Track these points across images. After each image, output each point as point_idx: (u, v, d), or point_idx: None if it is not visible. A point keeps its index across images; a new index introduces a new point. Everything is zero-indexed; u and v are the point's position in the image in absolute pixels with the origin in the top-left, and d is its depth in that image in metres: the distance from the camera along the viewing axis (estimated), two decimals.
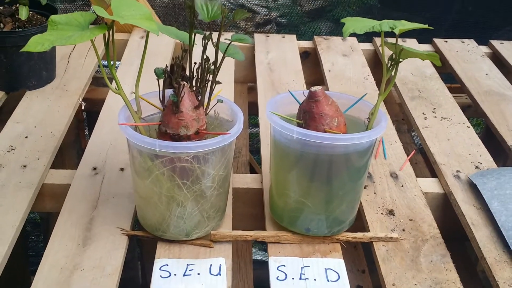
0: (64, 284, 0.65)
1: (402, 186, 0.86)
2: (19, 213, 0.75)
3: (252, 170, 1.23)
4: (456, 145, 0.96)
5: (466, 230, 0.78)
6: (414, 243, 0.75)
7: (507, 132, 1.01)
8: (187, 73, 0.68)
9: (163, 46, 1.25)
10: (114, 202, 0.78)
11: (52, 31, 0.60)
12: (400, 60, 0.68)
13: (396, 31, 0.65)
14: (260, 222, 0.80)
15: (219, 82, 0.69)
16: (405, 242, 0.75)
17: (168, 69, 0.67)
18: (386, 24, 0.65)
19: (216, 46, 0.67)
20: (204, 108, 0.68)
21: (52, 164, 0.87)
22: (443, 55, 1.31)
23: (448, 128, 1.01)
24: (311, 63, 1.32)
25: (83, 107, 1.05)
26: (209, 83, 0.68)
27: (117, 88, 0.66)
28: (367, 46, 1.35)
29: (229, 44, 0.68)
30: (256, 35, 1.36)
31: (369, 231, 0.77)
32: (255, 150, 1.50)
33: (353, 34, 0.67)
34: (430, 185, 0.88)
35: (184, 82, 0.65)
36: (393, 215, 0.80)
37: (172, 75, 0.66)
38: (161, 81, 0.68)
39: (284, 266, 0.70)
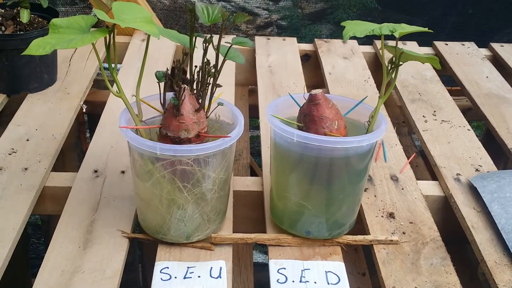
0: (65, 286, 0.65)
1: (403, 189, 0.86)
2: (20, 216, 0.75)
3: (253, 173, 1.23)
4: (456, 148, 0.96)
5: (466, 233, 0.78)
6: (414, 246, 0.75)
7: (507, 135, 1.01)
8: (188, 76, 0.69)
9: (164, 49, 1.25)
10: (115, 205, 0.78)
11: (53, 34, 0.60)
12: (400, 63, 0.68)
13: (396, 34, 0.65)
14: (261, 225, 0.80)
15: (219, 85, 0.69)
16: (405, 245, 0.75)
17: (169, 72, 0.67)
18: (386, 28, 0.65)
19: (217, 49, 0.67)
20: (205, 111, 0.69)
21: (53, 166, 0.88)
22: (443, 58, 1.31)
23: (449, 131, 1.01)
24: (312, 66, 1.32)
25: (84, 110, 1.06)
26: (210, 86, 0.68)
27: (118, 91, 0.67)
28: (368, 48, 1.35)
29: (230, 47, 0.68)
30: (257, 38, 1.37)
31: (370, 234, 0.77)
32: (256, 152, 1.50)
33: (353, 37, 0.67)
34: (431, 188, 0.88)
35: (185, 85, 0.65)
36: (394, 218, 0.80)
37: (173, 78, 0.66)
38: (162, 84, 0.68)
39: (285, 269, 0.70)
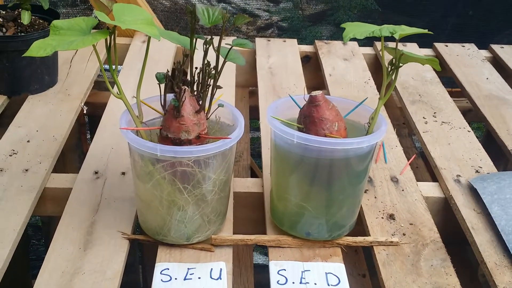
0: None
1: (403, 190, 0.86)
2: (20, 217, 0.75)
3: (254, 174, 1.24)
4: (456, 149, 0.96)
5: (467, 234, 0.78)
6: (414, 247, 0.75)
7: (507, 136, 1.01)
8: (188, 77, 0.69)
9: (164, 50, 1.25)
10: (115, 206, 0.79)
11: (54, 36, 0.60)
12: (400, 64, 0.68)
13: (396, 36, 0.65)
14: (261, 226, 0.80)
15: (220, 87, 0.69)
16: (405, 247, 0.75)
17: (169, 73, 0.67)
18: (386, 29, 0.65)
19: (217, 50, 0.67)
20: (205, 112, 0.69)
21: (54, 168, 0.88)
22: (443, 59, 1.31)
23: (449, 132, 1.01)
24: (312, 68, 1.32)
25: (85, 111, 1.06)
26: (210, 88, 0.68)
27: (118, 93, 0.67)
28: (368, 50, 1.36)
29: (230, 49, 0.68)
30: (257, 39, 1.37)
31: (370, 235, 0.77)
32: (256, 154, 1.50)
33: (353, 39, 0.68)
34: (431, 189, 0.88)
35: (185, 87, 0.65)
36: (394, 219, 0.80)
37: (173, 80, 0.67)
38: (162, 85, 0.68)
39: (285, 270, 0.70)
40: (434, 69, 1.24)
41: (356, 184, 0.72)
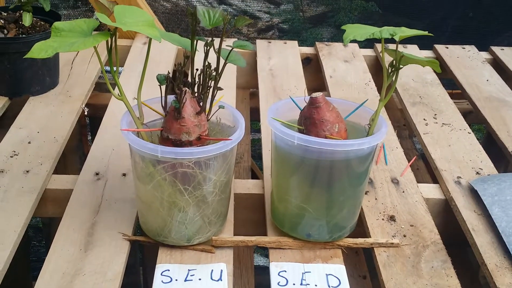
0: None
1: (403, 192, 0.86)
2: (21, 218, 0.75)
3: (254, 176, 1.24)
4: (457, 151, 0.96)
5: (467, 236, 0.78)
6: (415, 249, 0.75)
7: (508, 138, 1.01)
8: (189, 79, 0.69)
9: (165, 52, 1.26)
10: (116, 207, 0.79)
11: (55, 37, 0.60)
12: (401, 66, 0.68)
13: (396, 38, 0.65)
14: (262, 228, 0.80)
15: (220, 88, 0.69)
16: (406, 248, 0.75)
17: (170, 75, 0.67)
18: (386, 31, 0.66)
19: (218, 52, 0.67)
20: (206, 114, 0.69)
21: (55, 169, 0.88)
22: (444, 61, 1.31)
23: (449, 134, 1.02)
24: (313, 69, 1.32)
25: (86, 113, 1.06)
26: (211, 89, 0.68)
27: (119, 94, 0.67)
28: (369, 52, 1.36)
29: (231, 50, 0.68)
30: (258, 41, 1.37)
31: (370, 237, 0.77)
32: (257, 155, 1.50)
33: (354, 40, 0.68)
34: (431, 191, 0.88)
35: (186, 88, 0.65)
36: (394, 221, 0.80)
37: (174, 81, 0.67)
38: (163, 87, 0.69)
39: (285, 271, 0.70)
40: (435, 71, 1.25)
41: (357, 185, 0.72)
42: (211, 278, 0.68)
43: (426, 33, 0.67)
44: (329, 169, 0.70)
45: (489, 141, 1.18)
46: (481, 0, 1.74)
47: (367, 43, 1.32)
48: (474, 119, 1.24)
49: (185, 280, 0.67)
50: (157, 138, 0.69)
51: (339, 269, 0.71)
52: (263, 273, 0.96)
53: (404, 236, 0.77)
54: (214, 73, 0.67)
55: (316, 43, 1.37)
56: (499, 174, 0.90)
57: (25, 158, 0.88)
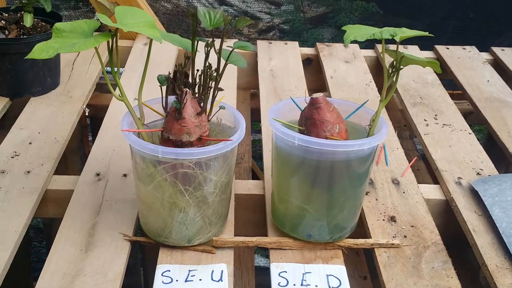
0: None
1: (404, 192, 0.86)
2: (22, 219, 0.75)
3: (255, 176, 1.24)
4: (457, 152, 0.96)
5: (468, 236, 0.78)
6: (415, 249, 0.75)
7: (508, 139, 1.01)
8: (190, 80, 0.69)
9: (166, 53, 1.26)
10: (116, 208, 0.79)
11: (56, 38, 0.60)
12: (401, 67, 0.68)
13: (397, 39, 0.66)
14: (262, 228, 0.80)
15: (221, 89, 0.69)
16: (406, 249, 0.75)
17: (171, 76, 0.68)
18: (386, 32, 0.66)
19: (219, 53, 0.67)
20: (207, 114, 0.69)
21: (56, 170, 0.88)
22: (444, 62, 1.31)
23: (450, 135, 1.02)
24: (313, 70, 1.32)
25: (87, 113, 1.06)
26: (212, 90, 0.68)
27: (120, 95, 0.67)
28: (369, 52, 1.36)
29: (231, 51, 0.68)
30: (258, 42, 1.37)
31: (371, 238, 0.77)
32: (257, 156, 1.50)
33: (355, 41, 0.68)
34: (432, 191, 0.88)
35: (187, 89, 0.66)
36: (395, 221, 0.80)
37: (175, 82, 0.67)
38: (164, 87, 0.69)
39: (286, 272, 0.70)
40: (435, 72, 1.25)
41: (357, 186, 0.72)
42: (212, 279, 0.68)
43: (426, 33, 0.67)
44: (330, 169, 0.70)
45: (490, 141, 1.18)
46: (482, 0, 1.74)
47: (368, 44, 1.32)
48: (475, 119, 1.24)
49: (186, 281, 0.67)
50: (158, 138, 0.69)
51: (339, 270, 0.71)
52: (263, 273, 0.96)
53: (405, 236, 0.77)
54: (214, 74, 0.67)
55: (317, 43, 1.37)
56: (499, 174, 0.90)
57: (26, 159, 0.88)
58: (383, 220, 0.80)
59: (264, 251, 1.75)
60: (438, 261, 0.73)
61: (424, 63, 0.69)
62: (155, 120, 0.73)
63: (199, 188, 0.67)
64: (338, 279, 0.69)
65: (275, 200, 0.77)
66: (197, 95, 0.68)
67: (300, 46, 1.36)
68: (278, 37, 1.97)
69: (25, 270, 1.39)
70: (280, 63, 1.26)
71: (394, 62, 0.68)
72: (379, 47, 1.35)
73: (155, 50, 1.23)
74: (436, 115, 1.08)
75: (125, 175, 0.86)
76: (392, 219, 0.80)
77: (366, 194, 0.85)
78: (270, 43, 1.37)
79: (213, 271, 0.69)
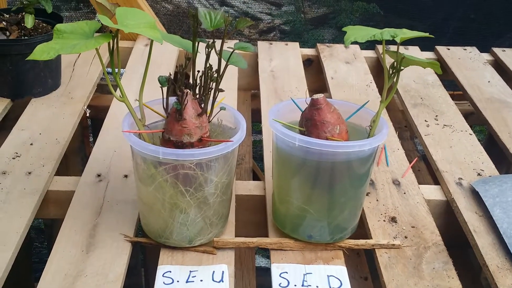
0: None
1: (405, 193, 0.86)
2: (23, 220, 0.75)
3: (256, 177, 1.24)
4: (458, 152, 0.96)
5: (468, 237, 0.78)
6: (416, 250, 0.75)
7: (509, 139, 1.01)
8: (191, 81, 0.69)
9: (167, 54, 1.26)
10: (117, 209, 0.79)
11: (57, 39, 0.60)
12: (401, 68, 0.68)
13: (397, 40, 0.66)
14: (263, 229, 0.80)
15: (222, 90, 0.69)
16: (407, 249, 0.75)
17: (172, 77, 0.68)
18: (387, 33, 0.66)
19: (219, 54, 0.68)
20: (207, 115, 0.69)
21: (57, 170, 0.88)
22: (445, 63, 1.31)
23: (451, 135, 1.02)
24: (314, 71, 1.32)
25: (87, 114, 1.06)
26: (212, 91, 0.68)
27: (121, 96, 0.67)
28: (370, 53, 1.36)
29: (232, 52, 0.68)
30: (259, 43, 1.37)
31: (372, 238, 0.77)
32: (258, 157, 1.50)
33: (355, 42, 0.68)
34: (433, 192, 0.88)
35: (188, 90, 0.66)
36: (395, 222, 0.80)
37: (176, 83, 0.67)
38: (165, 89, 0.69)
39: (287, 273, 0.70)
40: (436, 72, 1.25)
41: (358, 187, 0.72)
42: (213, 280, 0.68)
43: (427, 34, 0.67)
44: (330, 170, 0.70)
45: (491, 142, 1.18)
46: (483, 1, 1.74)
47: (369, 44, 1.32)
48: (476, 120, 1.24)
49: (187, 282, 0.68)
50: (159, 139, 0.69)
51: (340, 271, 0.71)
52: (264, 274, 0.96)
53: (406, 237, 0.77)
54: (215, 75, 0.67)
55: (318, 44, 1.37)
56: (500, 175, 0.90)
57: (27, 160, 0.88)
58: (384, 220, 0.80)
59: (265, 252, 1.75)
60: (439, 262, 0.73)
61: (425, 64, 0.69)
62: (156, 121, 0.73)
63: (200, 189, 0.67)
64: (339, 280, 0.69)
65: (275, 201, 0.77)
66: (197, 96, 0.69)
67: (300, 47, 1.36)
68: (279, 38, 1.97)
69: (27, 271, 1.40)
70: (281, 64, 1.26)
71: (395, 63, 0.68)
72: (380, 48, 1.35)
73: (156, 51, 1.23)
74: (436, 115, 1.08)
75: (126, 176, 0.86)
76: (393, 219, 0.80)
77: (367, 194, 0.85)
78: (271, 44, 1.37)
79: (214, 271, 0.69)
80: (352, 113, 0.75)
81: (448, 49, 1.38)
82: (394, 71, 0.69)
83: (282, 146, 0.71)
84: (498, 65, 1.33)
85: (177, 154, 0.64)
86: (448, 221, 0.85)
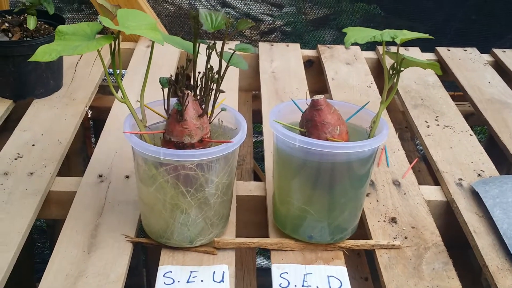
0: None
1: (405, 193, 0.86)
2: (25, 220, 0.76)
3: (257, 178, 1.24)
4: (458, 153, 0.96)
5: (468, 238, 0.78)
6: (416, 250, 0.75)
7: (509, 140, 1.01)
8: (192, 82, 0.69)
9: (168, 55, 1.26)
10: (119, 209, 0.79)
11: (59, 41, 0.61)
12: (402, 69, 0.68)
13: (397, 41, 0.66)
14: (263, 230, 0.80)
15: (222, 91, 0.69)
16: (407, 250, 0.75)
17: (173, 78, 0.68)
18: (387, 34, 0.66)
19: (220, 55, 0.68)
20: (208, 116, 0.69)
21: (59, 171, 0.88)
22: (446, 64, 1.31)
23: (451, 136, 1.02)
24: (315, 72, 1.33)
25: (89, 115, 1.07)
26: (213, 92, 0.69)
27: (122, 97, 0.67)
28: (370, 54, 1.36)
29: (233, 53, 0.69)
30: (260, 44, 1.38)
31: (372, 239, 0.77)
32: (259, 157, 1.51)
33: (356, 43, 0.68)
34: (433, 192, 0.88)
35: (188, 91, 0.66)
36: (396, 222, 0.80)
37: (177, 84, 0.67)
38: (166, 90, 0.69)
39: (287, 273, 0.70)
40: (436, 73, 1.25)
41: (358, 187, 0.72)
42: (213, 280, 0.68)
43: (426, 36, 0.67)
44: (331, 171, 0.70)
45: (491, 143, 1.19)
46: (483, 2, 1.75)
47: (369, 46, 1.33)
48: (476, 121, 1.24)
49: (187, 282, 0.68)
50: (160, 140, 0.70)
51: (340, 271, 0.71)
52: (265, 274, 0.96)
53: (406, 238, 0.77)
54: (216, 76, 0.67)
55: (318, 45, 1.37)
56: (500, 176, 0.90)
57: (29, 161, 0.88)
58: (384, 221, 0.80)
59: (265, 252, 1.75)
60: (439, 263, 0.73)
61: (425, 65, 0.70)
62: (157, 122, 0.73)
63: (201, 190, 0.67)
64: (339, 280, 0.69)
65: (276, 202, 0.77)
66: (198, 97, 0.69)
67: (301, 48, 1.37)
68: (280, 39, 1.98)
69: (29, 271, 1.40)
70: (282, 65, 1.27)
71: (395, 64, 0.69)
72: (380, 49, 1.35)
73: (157, 53, 1.24)
74: (437, 116, 1.08)
75: (127, 177, 0.86)
76: (393, 220, 0.80)
77: (367, 195, 0.85)
78: (272, 45, 1.37)
79: (214, 272, 0.69)
80: (353, 114, 0.75)
81: (449, 50, 1.38)
82: (394, 72, 0.69)
83: (282, 147, 0.71)
84: (499, 66, 1.34)
85: (178, 155, 0.64)
86: (448, 221, 0.85)
